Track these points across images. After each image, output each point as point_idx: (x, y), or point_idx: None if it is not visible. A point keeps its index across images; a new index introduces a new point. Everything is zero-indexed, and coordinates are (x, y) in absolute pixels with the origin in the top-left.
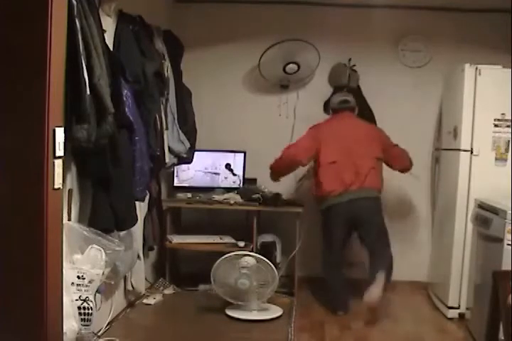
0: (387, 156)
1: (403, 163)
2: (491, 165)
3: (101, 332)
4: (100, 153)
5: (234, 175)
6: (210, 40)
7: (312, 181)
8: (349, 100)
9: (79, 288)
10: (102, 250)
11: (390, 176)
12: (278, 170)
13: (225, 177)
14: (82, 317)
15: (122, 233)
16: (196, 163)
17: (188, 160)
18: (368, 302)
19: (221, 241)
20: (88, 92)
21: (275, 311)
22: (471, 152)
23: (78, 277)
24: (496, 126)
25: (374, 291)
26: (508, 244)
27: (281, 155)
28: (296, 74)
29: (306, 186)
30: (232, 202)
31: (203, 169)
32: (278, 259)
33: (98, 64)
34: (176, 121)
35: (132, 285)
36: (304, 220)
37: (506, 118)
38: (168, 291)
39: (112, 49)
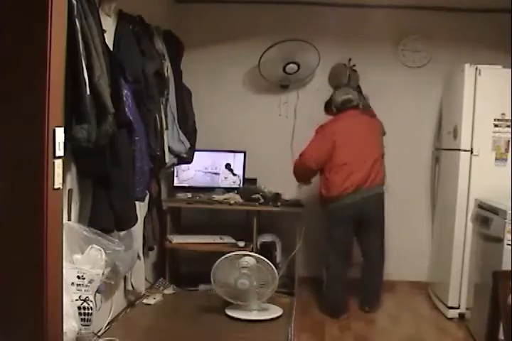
0: None
1: None
2: (491, 165)
3: (101, 332)
4: (100, 153)
5: (234, 175)
6: (210, 40)
7: (321, 182)
8: (352, 99)
9: (79, 288)
10: (102, 250)
11: (390, 176)
12: (300, 176)
13: (225, 177)
14: (82, 317)
15: (122, 233)
16: (196, 163)
17: (188, 160)
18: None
19: (221, 241)
20: (88, 92)
21: (275, 311)
22: (471, 152)
23: (78, 277)
24: (496, 126)
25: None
26: (508, 244)
27: (300, 160)
28: (296, 74)
29: (306, 187)
30: (232, 202)
31: (203, 169)
32: (278, 259)
33: (98, 64)
34: (176, 121)
35: (132, 285)
36: (304, 220)
37: (506, 118)
38: (168, 291)
39: (112, 49)
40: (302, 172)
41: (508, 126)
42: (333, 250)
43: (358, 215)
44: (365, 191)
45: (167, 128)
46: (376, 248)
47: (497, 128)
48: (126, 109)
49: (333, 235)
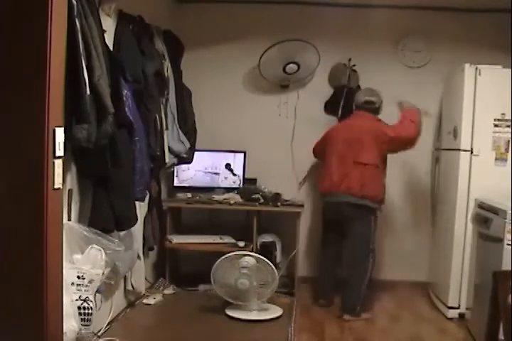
0: (392, 145)
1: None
2: (491, 165)
3: (101, 332)
4: (100, 153)
5: (234, 175)
6: (210, 40)
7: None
8: (374, 101)
9: (79, 288)
10: (102, 250)
11: (390, 176)
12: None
13: (225, 177)
14: (82, 317)
15: (122, 233)
16: (196, 163)
17: (188, 160)
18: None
19: (221, 241)
20: (88, 92)
21: (275, 311)
22: (471, 152)
23: (78, 277)
24: (496, 126)
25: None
26: (508, 244)
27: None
28: (296, 74)
29: (307, 186)
30: (232, 202)
31: (203, 169)
32: (278, 259)
33: (98, 64)
34: (176, 121)
35: (132, 285)
36: (304, 220)
37: (506, 118)
38: (168, 291)
39: (112, 49)
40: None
41: (508, 126)
42: (323, 249)
43: (335, 217)
44: (337, 196)
45: (167, 128)
46: (350, 255)
47: (497, 128)
48: (126, 109)
49: (324, 235)
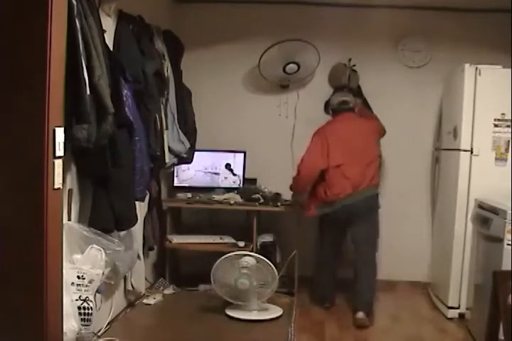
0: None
1: None
2: (491, 165)
3: (101, 332)
4: (100, 153)
5: (234, 175)
6: (210, 40)
7: (319, 185)
8: (348, 101)
9: (79, 288)
10: (102, 250)
11: (390, 176)
12: (303, 186)
13: (225, 177)
14: (82, 317)
15: (122, 233)
16: (196, 163)
17: (188, 160)
18: (360, 326)
19: (221, 241)
20: (88, 92)
21: (275, 311)
22: (471, 152)
23: (78, 277)
24: (496, 126)
25: (359, 319)
26: (508, 244)
27: (299, 172)
28: (296, 74)
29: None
30: (232, 202)
31: (203, 169)
32: (278, 259)
33: (98, 64)
34: (176, 121)
35: (132, 285)
36: (304, 220)
37: (506, 118)
38: (168, 291)
39: (112, 49)
40: (304, 181)
41: (508, 126)
42: (319, 248)
43: (347, 216)
44: (357, 194)
45: (167, 128)
46: (363, 250)
47: (497, 128)
48: (126, 109)
49: (322, 234)
